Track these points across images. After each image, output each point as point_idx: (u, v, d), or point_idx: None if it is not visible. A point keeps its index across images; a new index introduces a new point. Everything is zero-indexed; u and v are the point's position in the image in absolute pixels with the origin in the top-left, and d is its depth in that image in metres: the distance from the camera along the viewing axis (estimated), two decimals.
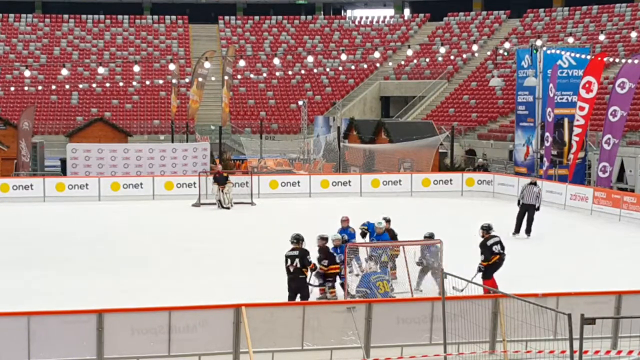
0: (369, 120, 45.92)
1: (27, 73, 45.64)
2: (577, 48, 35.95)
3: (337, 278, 16.22)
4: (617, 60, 38.06)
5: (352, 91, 61.76)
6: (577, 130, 31.45)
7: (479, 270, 16.58)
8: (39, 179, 33.26)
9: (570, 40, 41.76)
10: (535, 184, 24.47)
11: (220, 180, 30.33)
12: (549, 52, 34.10)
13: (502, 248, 16.81)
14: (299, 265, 15.20)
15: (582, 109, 31.20)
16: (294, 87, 62.60)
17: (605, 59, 33.77)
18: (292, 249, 15.41)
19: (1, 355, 12.07)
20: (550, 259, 20.98)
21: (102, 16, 69.06)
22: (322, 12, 73.33)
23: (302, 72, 63.58)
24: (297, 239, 15.46)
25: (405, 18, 70.49)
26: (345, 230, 18.32)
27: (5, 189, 31.69)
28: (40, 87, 59.71)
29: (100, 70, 53.43)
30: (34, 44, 65.53)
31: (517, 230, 23.85)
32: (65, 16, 68.45)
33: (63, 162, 37.32)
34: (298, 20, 70.17)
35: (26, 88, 59.41)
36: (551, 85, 32.42)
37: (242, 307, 12.54)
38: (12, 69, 61.20)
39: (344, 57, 45.65)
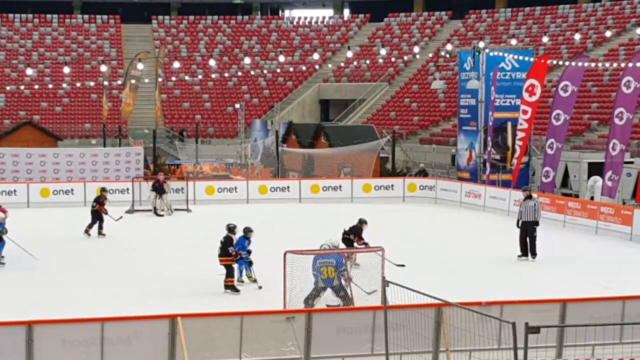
0: (308, 123, 45.60)
1: None
2: (520, 50, 35.72)
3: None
4: (560, 62, 37.81)
5: (290, 94, 61.03)
6: (520, 135, 31.44)
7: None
8: None
9: (513, 42, 41.25)
10: (530, 197, 21.70)
11: (160, 191, 29.91)
12: (491, 54, 33.83)
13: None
14: None
15: (525, 112, 31.18)
16: (230, 90, 61.61)
17: (548, 62, 33.53)
18: None
19: None
20: (493, 267, 20.82)
21: (30, 15, 67.42)
22: (259, 12, 72.79)
23: (239, 74, 62.65)
24: None
25: (345, 18, 69.96)
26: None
27: None
28: None
29: (29, 71, 52.29)
30: None
31: (523, 252, 21.47)
32: None
33: None
34: (234, 21, 69.30)
35: None
36: (492, 88, 32.08)
37: (177, 318, 12.47)
38: None
39: (282, 58, 44.73)
